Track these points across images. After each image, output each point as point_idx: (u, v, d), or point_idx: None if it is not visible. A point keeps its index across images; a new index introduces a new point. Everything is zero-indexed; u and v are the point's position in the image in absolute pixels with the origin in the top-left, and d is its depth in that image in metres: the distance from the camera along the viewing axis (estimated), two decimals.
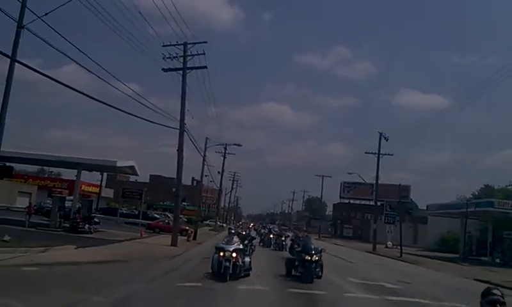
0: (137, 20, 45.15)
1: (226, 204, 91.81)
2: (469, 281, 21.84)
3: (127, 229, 35.72)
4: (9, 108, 14.84)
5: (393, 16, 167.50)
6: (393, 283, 16.70)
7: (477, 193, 53.80)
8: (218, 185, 61.62)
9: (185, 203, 70.48)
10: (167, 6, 20.31)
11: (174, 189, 28.76)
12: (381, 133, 42.85)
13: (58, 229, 26.99)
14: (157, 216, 51.68)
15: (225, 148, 54.51)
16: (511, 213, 36.04)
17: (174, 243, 25.11)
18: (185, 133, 26.33)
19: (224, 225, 72.62)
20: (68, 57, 14.97)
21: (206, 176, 50.13)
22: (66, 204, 31.14)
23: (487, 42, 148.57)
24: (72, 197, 33.80)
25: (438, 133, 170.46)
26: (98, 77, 16.96)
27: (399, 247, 38.04)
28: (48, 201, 41.06)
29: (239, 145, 54.96)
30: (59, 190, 48.21)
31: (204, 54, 25.40)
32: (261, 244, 32.93)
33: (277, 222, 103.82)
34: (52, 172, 77.21)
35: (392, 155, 43.68)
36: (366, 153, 43.96)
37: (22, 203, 48.06)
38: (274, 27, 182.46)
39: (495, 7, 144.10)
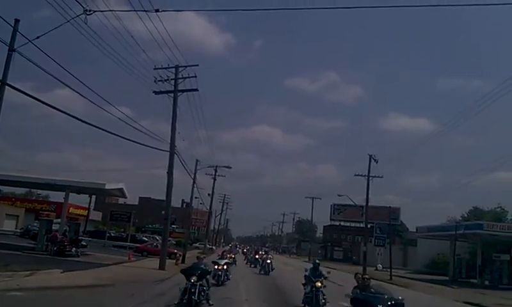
0: (130, 44, 45.25)
1: (216, 227, 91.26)
2: (459, 304, 21.84)
3: (115, 252, 35.19)
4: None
5: (381, 42, 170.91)
6: None
7: (466, 215, 54.08)
8: (208, 208, 61.26)
9: (174, 226, 69.77)
10: (160, 31, 20.55)
11: (163, 212, 28.51)
12: (370, 156, 42.79)
13: (45, 253, 26.53)
14: (146, 239, 51.01)
15: (215, 170, 54.45)
16: (500, 236, 36.27)
17: (162, 267, 24.79)
18: (175, 156, 26.34)
19: (214, 247, 71.94)
20: (60, 80, 15.07)
21: (196, 198, 49.96)
22: (53, 227, 30.67)
23: (472, 66, 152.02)
24: (59, 220, 33.33)
25: (426, 156, 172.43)
26: (89, 100, 17.07)
27: (388, 269, 37.90)
28: (36, 224, 40.41)
29: (229, 167, 54.93)
30: (47, 212, 47.48)
31: (195, 76, 25.59)
32: (254, 267, 35.22)
33: (267, 245, 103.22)
34: (40, 194, 76.32)
35: (382, 177, 43.41)
36: (356, 175, 43.53)
37: (9, 226, 47.34)
38: (264, 52, 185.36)
39: (480, 33, 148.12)
